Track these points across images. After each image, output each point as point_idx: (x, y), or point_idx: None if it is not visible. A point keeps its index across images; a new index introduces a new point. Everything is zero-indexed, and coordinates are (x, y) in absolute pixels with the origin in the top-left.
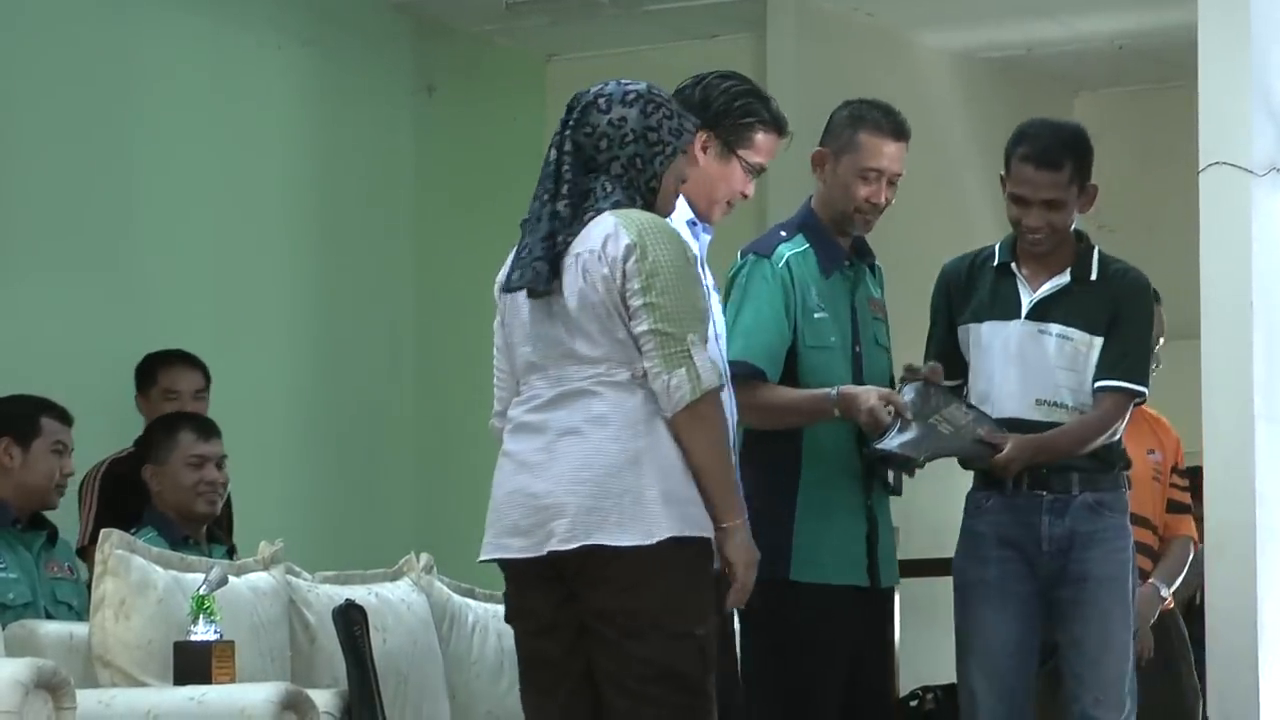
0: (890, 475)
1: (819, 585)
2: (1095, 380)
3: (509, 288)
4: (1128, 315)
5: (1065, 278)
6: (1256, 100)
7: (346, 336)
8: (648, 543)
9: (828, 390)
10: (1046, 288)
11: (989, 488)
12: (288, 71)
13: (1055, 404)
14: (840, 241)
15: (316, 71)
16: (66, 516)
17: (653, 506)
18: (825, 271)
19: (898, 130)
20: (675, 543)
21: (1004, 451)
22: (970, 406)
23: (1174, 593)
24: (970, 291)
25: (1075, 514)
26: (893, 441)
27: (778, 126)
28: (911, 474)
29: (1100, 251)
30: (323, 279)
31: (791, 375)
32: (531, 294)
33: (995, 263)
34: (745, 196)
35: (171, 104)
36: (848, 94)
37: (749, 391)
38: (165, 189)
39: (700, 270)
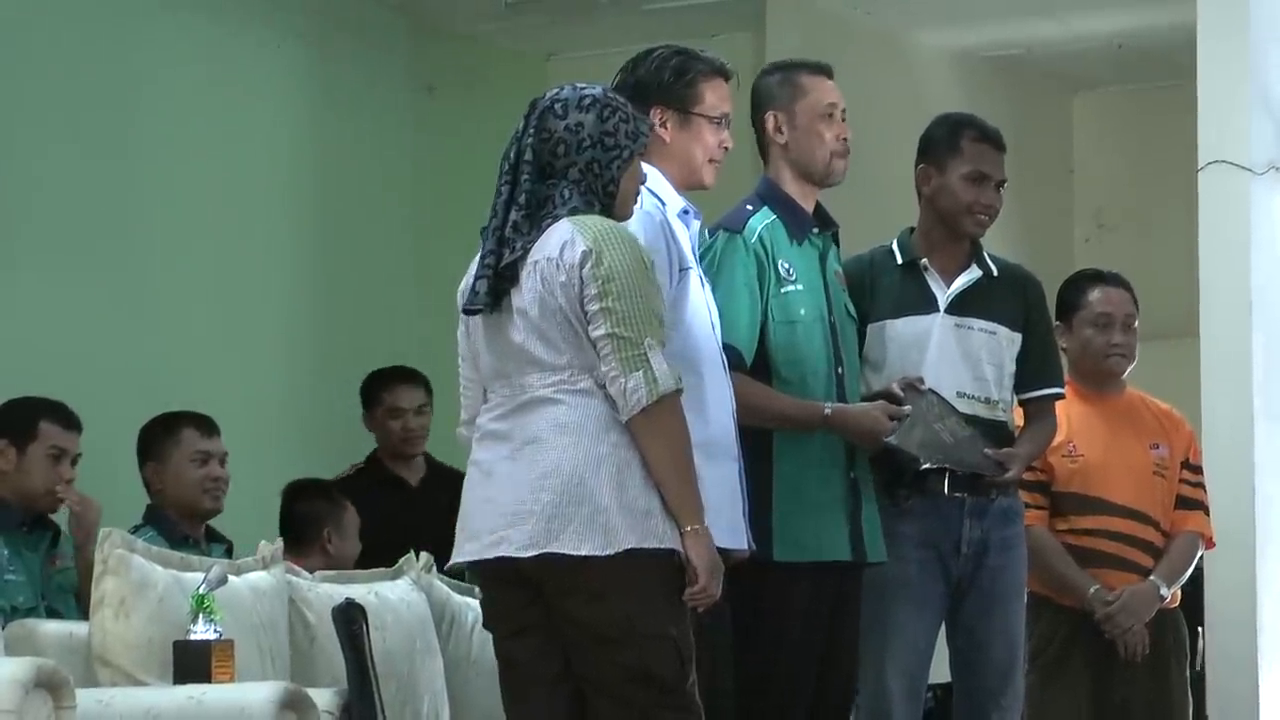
0: (893, 492)
1: (804, 564)
2: (1030, 388)
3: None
4: (1038, 314)
5: (976, 272)
6: (1255, 99)
7: (346, 335)
8: (606, 553)
9: (821, 408)
10: (960, 282)
11: (908, 485)
12: (287, 71)
13: (977, 398)
14: (805, 208)
15: (316, 71)
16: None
17: (613, 516)
18: (795, 239)
19: (830, 69)
20: (636, 553)
21: (1011, 471)
22: (967, 421)
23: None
24: (875, 290)
25: (992, 518)
26: (897, 437)
27: (717, 71)
28: (918, 469)
29: (981, 245)
30: (322, 278)
31: (761, 349)
32: (468, 312)
33: (900, 261)
34: (727, 148)
35: (171, 103)
36: (848, 93)
37: (735, 381)
38: (165, 187)
39: (683, 259)
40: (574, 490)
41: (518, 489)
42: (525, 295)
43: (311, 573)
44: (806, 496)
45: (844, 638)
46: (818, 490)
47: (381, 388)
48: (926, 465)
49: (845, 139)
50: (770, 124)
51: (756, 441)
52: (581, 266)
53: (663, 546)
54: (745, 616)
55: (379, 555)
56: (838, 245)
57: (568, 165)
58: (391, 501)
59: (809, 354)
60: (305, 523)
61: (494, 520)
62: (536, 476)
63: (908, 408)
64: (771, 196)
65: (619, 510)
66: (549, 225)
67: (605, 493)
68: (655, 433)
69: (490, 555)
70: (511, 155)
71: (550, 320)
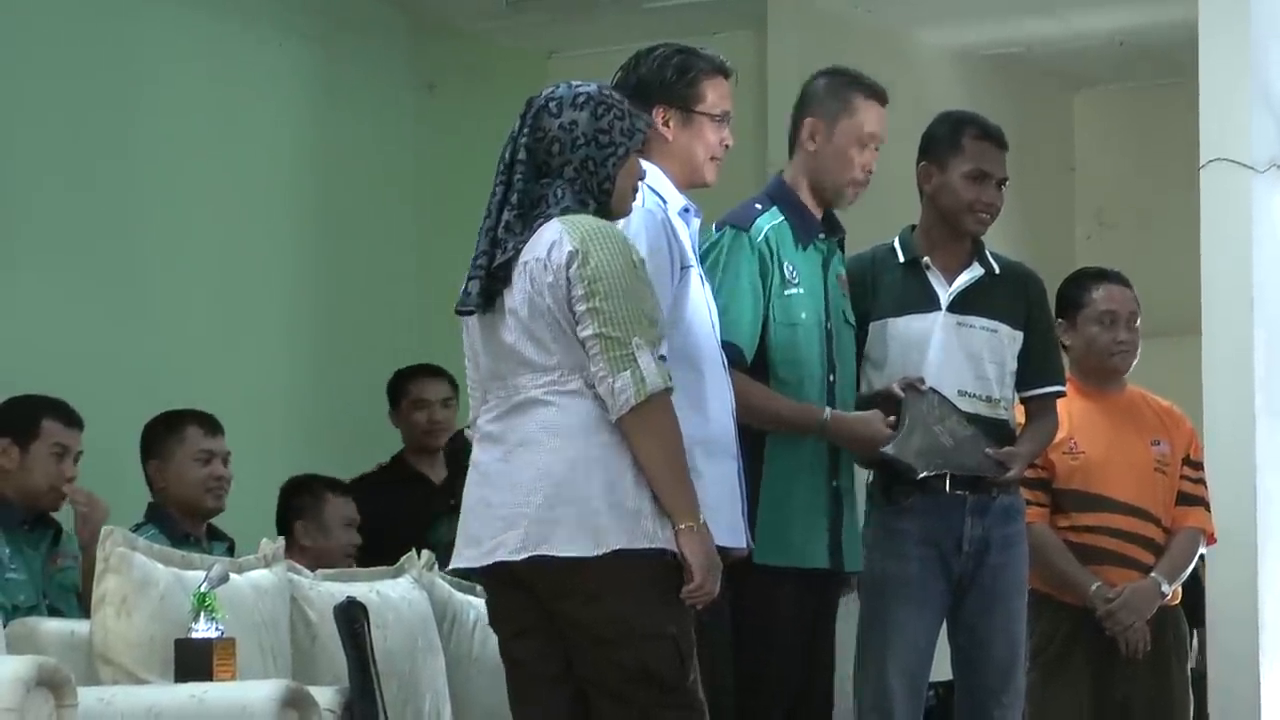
0: (893, 491)
1: (783, 569)
2: (1031, 386)
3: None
4: (1040, 312)
5: (977, 270)
6: (1257, 96)
7: (348, 333)
8: (595, 554)
9: (820, 414)
10: (962, 281)
11: (907, 484)
12: (289, 69)
13: (979, 396)
14: (814, 213)
15: (318, 69)
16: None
17: (603, 517)
18: (801, 243)
19: (885, 95)
20: (625, 554)
21: (1012, 471)
22: (969, 420)
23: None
24: (876, 289)
25: (994, 516)
26: (895, 447)
27: (718, 69)
28: (915, 478)
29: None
30: (323, 276)
31: (760, 350)
32: (461, 313)
33: (901, 259)
34: (728, 146)
35: (173, 100)
36: None
37: (735, 380)
38: (166, 185)
39: (685, 258)
40: (565, 492)
41: (510, 492)
42: (516, 296)
43: (313, 572)
44: (793, 501)
45: (824, 643)
46: (804, 496)
47: (407, 381)
48: (924, 474)
49: (870, 170)
50: (806, 129)
51: (750, 442)
52: (568, 267)
53: (653, 546)
54: (739, 615)
55: (402, 552)
56: (843, 250)
57: (563, 164)
58: (414, 498)
59: (807, 358)
60: (282, 517)
61: (491, 525)
62: (528, 479)
63: (892, 418)
64: (782, 198)
65: (609, 511)
66: (540, 225)
67: (596, 494)
68: (646, 431)
69: (488, 562)
70: (507, 155)
71: (539, 321)
